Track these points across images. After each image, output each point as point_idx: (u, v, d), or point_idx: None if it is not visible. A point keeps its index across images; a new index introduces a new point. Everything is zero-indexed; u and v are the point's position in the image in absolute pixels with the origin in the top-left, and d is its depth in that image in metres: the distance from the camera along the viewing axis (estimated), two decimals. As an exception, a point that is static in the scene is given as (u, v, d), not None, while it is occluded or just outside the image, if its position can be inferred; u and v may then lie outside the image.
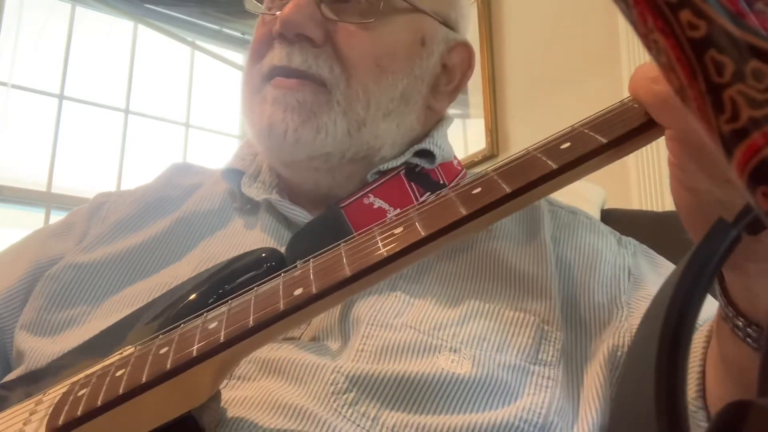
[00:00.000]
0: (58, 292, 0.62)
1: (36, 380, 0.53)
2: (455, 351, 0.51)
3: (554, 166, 0.37)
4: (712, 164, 0.32)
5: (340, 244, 0.42)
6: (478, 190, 0.39)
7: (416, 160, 0.64)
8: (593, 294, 0.57)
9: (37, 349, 0.58)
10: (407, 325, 0.53)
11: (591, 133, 0.38)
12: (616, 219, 0.87)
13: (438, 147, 0.66)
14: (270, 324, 0.39)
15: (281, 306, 0.39)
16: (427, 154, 0.65)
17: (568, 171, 0.37)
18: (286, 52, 0.60)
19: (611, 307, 0.56)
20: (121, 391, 0.40)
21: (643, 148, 0.38)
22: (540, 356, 0.52)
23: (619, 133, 0.37)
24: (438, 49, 0.66)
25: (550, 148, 0.38)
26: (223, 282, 0.54)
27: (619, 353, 0.52)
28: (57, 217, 2.42)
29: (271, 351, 0.52)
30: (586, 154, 0.37)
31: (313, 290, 0.39)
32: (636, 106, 0.37)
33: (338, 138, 0.60)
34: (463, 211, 0.38)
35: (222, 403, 0.47)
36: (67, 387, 0.46)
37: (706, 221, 0.32)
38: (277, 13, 0.61)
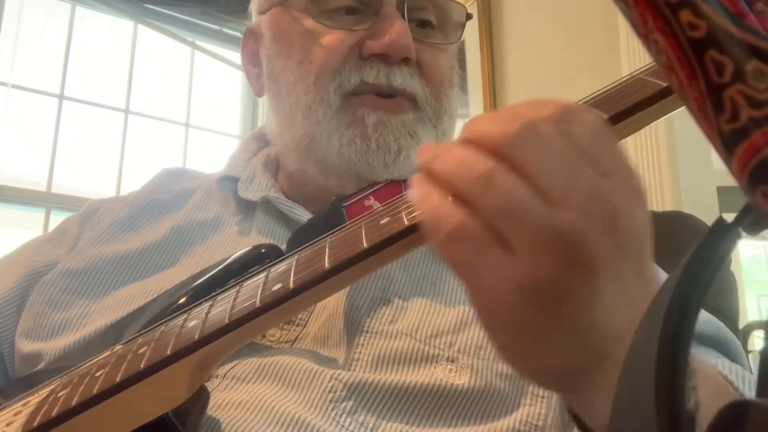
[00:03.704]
0: (54, 296, 0.63)
1: (32, 385, 0.53)
2: (453, 361, 0.50)
3: None
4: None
5: (326, 237, 0.41)
6: None
7: None
8: None
9: (40, 351, 0.59)
10: (403, 332, 0.52)
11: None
12: (616, 219, 0.87)
13: None
14: (245, 321, 0.38)
15: (257, 302, 0.38)
16: None
17: None
18: (384, 71, 0.62)
19: None
20: (95, 391, 0.39)
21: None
22: None
23: (625, 106, 0.37)
24: None
25: None
26: (220, 281, 0.53)
27: None
28: (57, 217, 2.42)
29: (269, 354, 0.51)
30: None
31: (291, 285, 0.37)
32: (650, 80, 0.38)
33: None
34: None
35: (215, 406, 0.46)
36: (52, 386, 0.45)
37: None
38: (357, 28, 0.62)
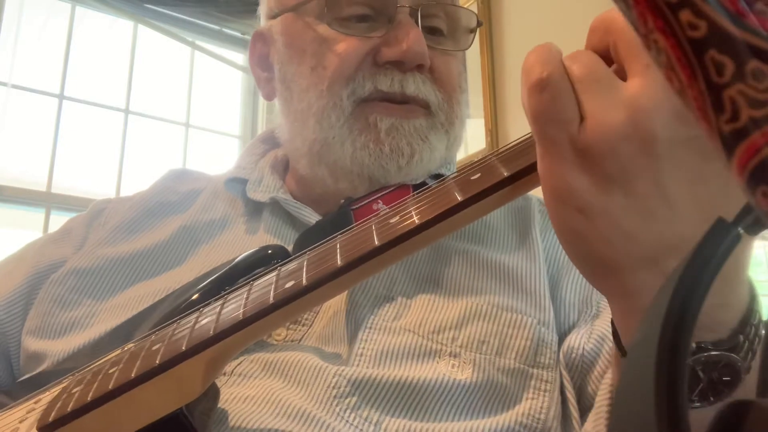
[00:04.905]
0: (62, 295, 0.63)
1: (40, 386, 0.53)
2: (455, 356, 0.51)
3: None
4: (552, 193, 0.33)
5: (335, 237, 0.42)
6: (477, 175, 0.39)
7: (429, 181, 0.66)
8: (568, 293, 0.58)
9: (46, 350, 0.59)
10: (406, 328, 0.53)
11: None
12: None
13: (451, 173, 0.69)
14: (260, 317, 0.38)
15: (271, 299, 0.38)
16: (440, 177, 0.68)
17: None
18: (398, 79, 0.62)
19: (582, 307, 0.57)
20: (110, 386, 0.40)
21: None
22: (538, 359, 0.52)
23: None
24: None
25: None
26: (229, 281, 0.54)
27: (573, 355, 0.52)
28: (57, 217, 2.42)
29: (275, 351, 0.52)
30: None
31: (303, 282, 0.38)
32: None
33: (442, 155, 0.65)
34: (459, 197, 0.37)
35: (223, 401, 0.47)
36: (64, 384, 0.46)
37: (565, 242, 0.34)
38: (371, 35, 0.63)
